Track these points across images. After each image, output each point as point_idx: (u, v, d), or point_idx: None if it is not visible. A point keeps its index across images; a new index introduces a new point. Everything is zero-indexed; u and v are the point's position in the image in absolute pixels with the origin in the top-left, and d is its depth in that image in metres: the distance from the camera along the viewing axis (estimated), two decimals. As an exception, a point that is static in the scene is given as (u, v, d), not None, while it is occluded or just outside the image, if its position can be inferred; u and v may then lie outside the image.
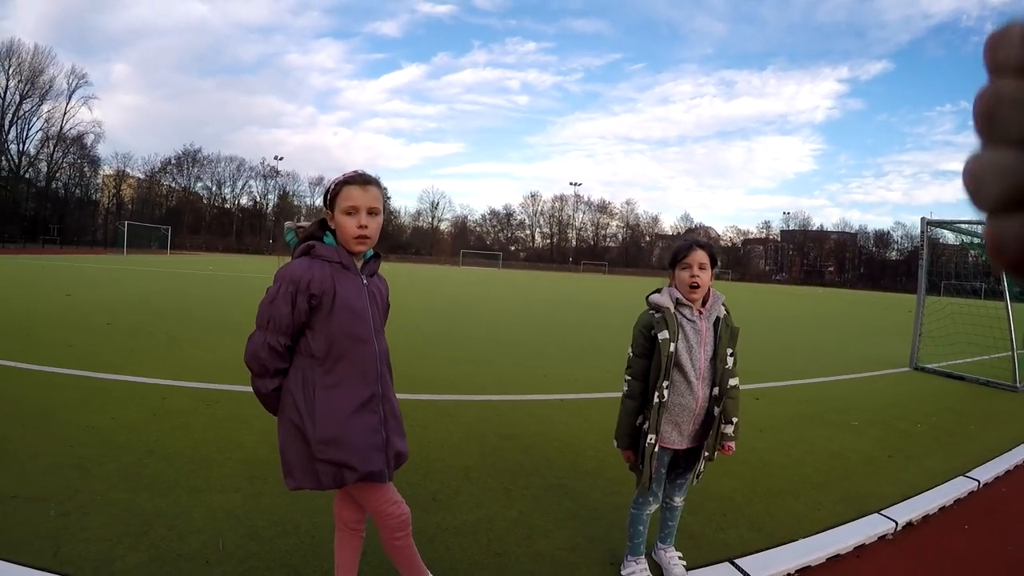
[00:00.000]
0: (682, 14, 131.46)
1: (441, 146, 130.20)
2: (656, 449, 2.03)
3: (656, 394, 2.00)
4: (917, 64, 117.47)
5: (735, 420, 2.14)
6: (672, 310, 2.04)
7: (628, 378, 2.12)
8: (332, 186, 1.70)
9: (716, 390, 2.05)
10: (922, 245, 8.53)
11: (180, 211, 71.91)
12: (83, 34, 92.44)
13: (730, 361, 2.08)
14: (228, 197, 79.29)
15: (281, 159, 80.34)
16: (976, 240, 8.80)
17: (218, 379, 4.76)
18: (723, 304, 2.13)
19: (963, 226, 8.38)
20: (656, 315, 2.06)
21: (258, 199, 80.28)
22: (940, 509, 3.19)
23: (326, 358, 1.64)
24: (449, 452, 3.45)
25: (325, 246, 1.68)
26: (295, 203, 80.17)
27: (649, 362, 2.05)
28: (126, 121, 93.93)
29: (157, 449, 3.12)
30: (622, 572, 2.23)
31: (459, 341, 8.14)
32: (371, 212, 1.67)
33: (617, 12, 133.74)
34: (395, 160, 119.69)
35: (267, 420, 3.64)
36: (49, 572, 1.93)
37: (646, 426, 2.03)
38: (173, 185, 75.51)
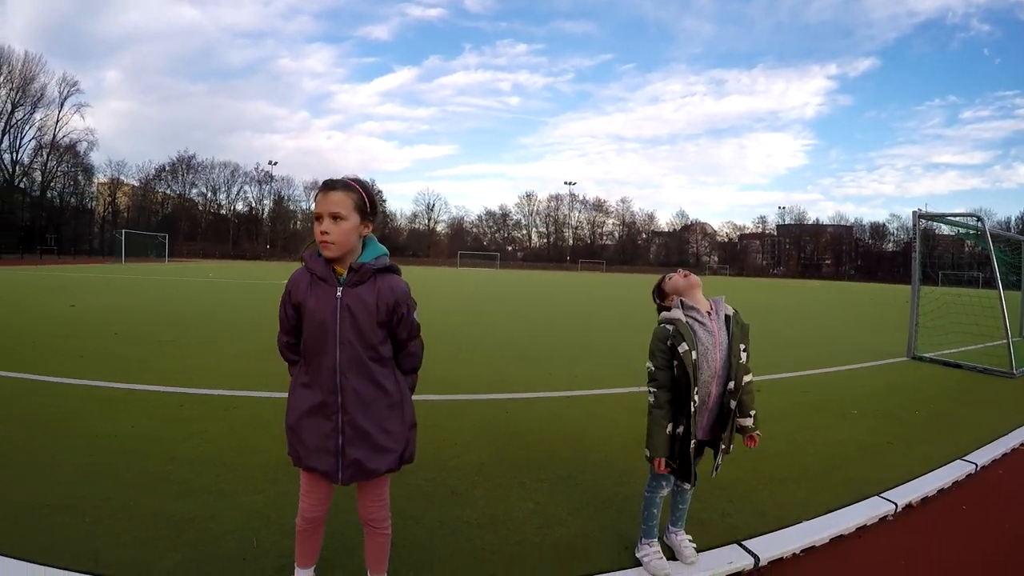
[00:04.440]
0: (670, 15, 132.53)
1: (434, 148, 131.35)
2: (693, 446, 2.14)
3: (691, 401, 2.08)
4: (904, 61, 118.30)
5: (753, 413, 2.24)
6: (684, 320, 2.13)
7: (654, 390, 2.16)
8: None
9: (732, 384, 2.13)
10: (915, 238, 8.64)
11: (176, 218, 71.87)
12: (74, 40, 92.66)
13: (743, 356, 2.17)
14: (224, 203, 79.85)
15: (275, 164, 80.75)
16: (971, 232, 8.89)
17: (232, 385, 4.84)
18: (726, 304, 2.23)
19: (955, 218, 8.52)
20: (670, 328, 2.14)
21: (254, 204, 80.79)
22: (939, 491, 3.29)
23: (304, 359, 1.83)
24: (462, 449, 3.56)
25: (313, 257, 1.78)
26: (291, 208, 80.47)
27: (670, 372, 2.13)
28: (119, 128, 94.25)
29: (179, 456, 3.19)
30: (637, 555, 2.33)
31: (461, 340, 8.23)
32: (333, 217, 1.68)
33: (606, 13, 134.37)
34: (389, 163, 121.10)
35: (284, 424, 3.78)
36: (91, 575, 2.01)
37: (680, 430, 2.12)
38: (168, 192, 75.76)
